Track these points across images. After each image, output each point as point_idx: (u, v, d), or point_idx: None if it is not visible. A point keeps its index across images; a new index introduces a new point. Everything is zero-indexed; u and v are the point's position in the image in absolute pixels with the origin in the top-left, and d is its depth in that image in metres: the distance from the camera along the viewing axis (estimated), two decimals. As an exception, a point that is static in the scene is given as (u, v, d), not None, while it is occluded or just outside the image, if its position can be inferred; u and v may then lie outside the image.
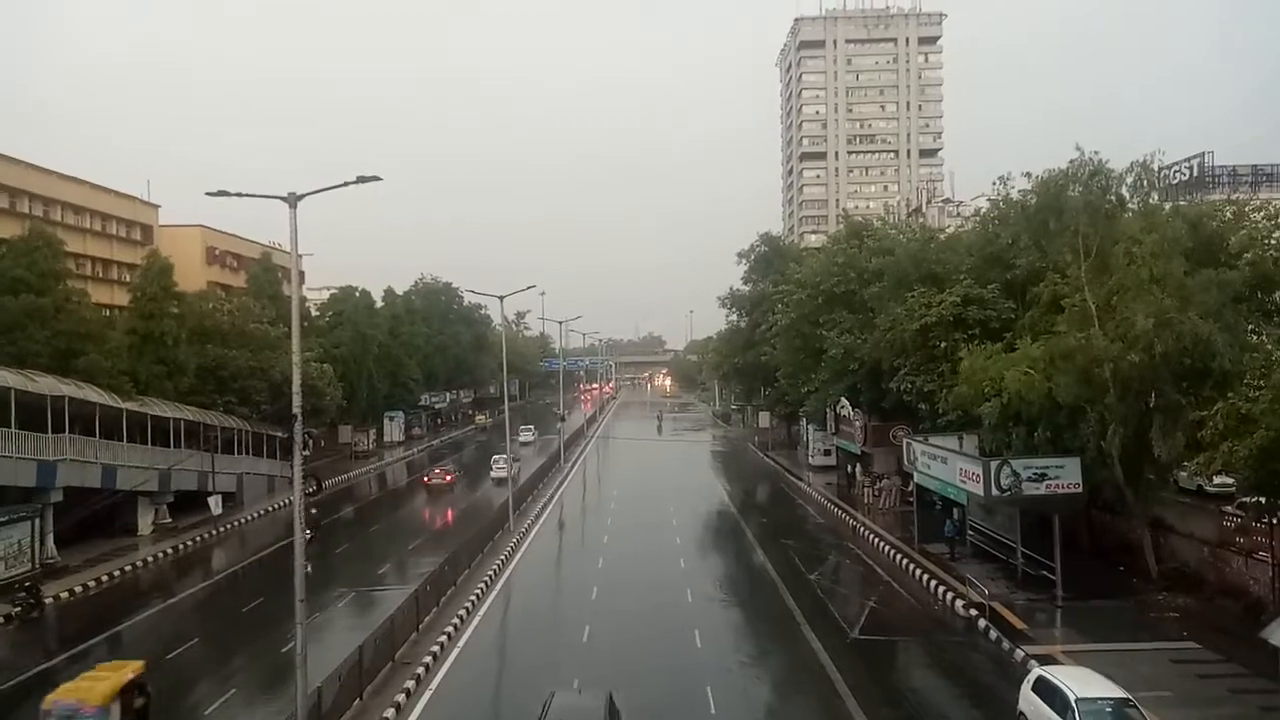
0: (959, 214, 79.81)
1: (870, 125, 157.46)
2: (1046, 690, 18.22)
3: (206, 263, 72.21)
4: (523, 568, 36.72)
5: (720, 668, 23.88)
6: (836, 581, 34.04)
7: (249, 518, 49.10)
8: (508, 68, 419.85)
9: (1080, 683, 17.99)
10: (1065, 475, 28.62)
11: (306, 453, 51.98)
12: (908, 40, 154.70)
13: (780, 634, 27.05)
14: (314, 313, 79.50)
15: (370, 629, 24.23)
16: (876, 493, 46.72)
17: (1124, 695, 17.62)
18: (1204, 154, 61.67)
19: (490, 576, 33.87)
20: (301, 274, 46.88)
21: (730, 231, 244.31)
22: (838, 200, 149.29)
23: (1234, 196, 41.84)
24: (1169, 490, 31.45)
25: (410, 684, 22.39)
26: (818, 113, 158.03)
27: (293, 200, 18.48)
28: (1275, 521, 24.86)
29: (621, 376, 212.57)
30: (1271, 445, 21.10)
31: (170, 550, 40.92)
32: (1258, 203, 35.52)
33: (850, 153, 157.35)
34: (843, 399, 50.58)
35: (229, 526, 46.48)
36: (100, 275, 61.73)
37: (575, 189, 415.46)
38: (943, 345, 37.32)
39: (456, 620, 27.92)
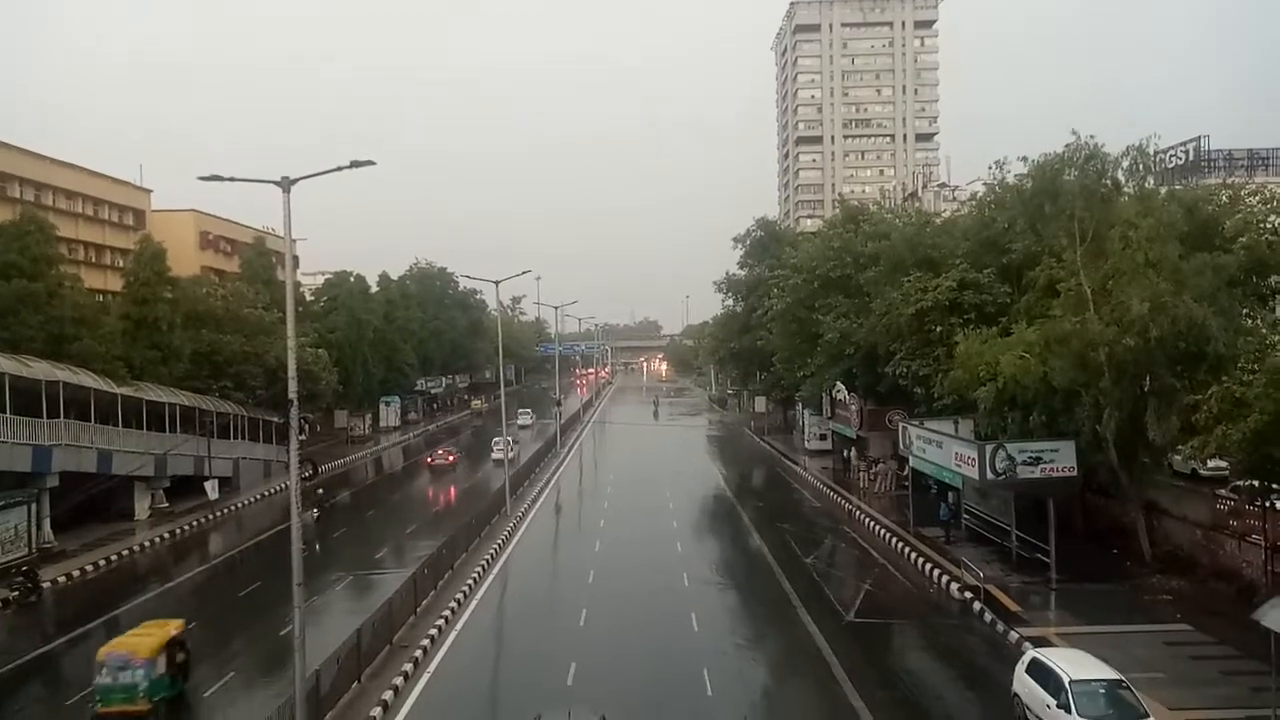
0: (955, 198, 79.51)
1: (866, 109, 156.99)
2: (1040, 672, 18.36)
3: (200, 248, 71.93)
4: (520, 551, 36.83)
5: (717, 650, 24.01)
6: (832, 565, 34.21)
7: (245, 502, 49.14)
8: (502, 54, 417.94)
9: (1074, 664, 18.13)
10: (1060, 459, 28.74)
11: (302, 438, 52.05)
12: (903, 24, 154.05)
13: (776, 617, 27.19)
14: (309, 298, 79.40)
15: (368, 612, 24.32)
16: (872, 477, 46.88)
17: (1117, 677, 17.76)
18: (1200, 138, 61.53)
19: (487, 560, 33.98)
20: (296, 259, 46.87)
21: (726, 216, 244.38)
22: (833, 185, 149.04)
23: (1230, 180, 41.83)
24: (1163, 474, 31.59)
25: (408, 667, 22.50)
26: (813, 97, 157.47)
27: (286, 185, 18.37)
28: (1268, 505, 25.03)
29: (617, 361, 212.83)
30: (1265, 429, 21.20)
31: (167, 535, 40.96)
32: (1253, 187, 35.49)
33: (846, 137, 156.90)
34: (838, 383, 50.66)
35: (226, 511, 46.52)
36: (93, 260, 61.41)
37: (571, 173, 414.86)
38: (938, 330, 37.35)
39: (454, 604, 28.03)
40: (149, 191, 68.67)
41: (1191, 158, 60.93)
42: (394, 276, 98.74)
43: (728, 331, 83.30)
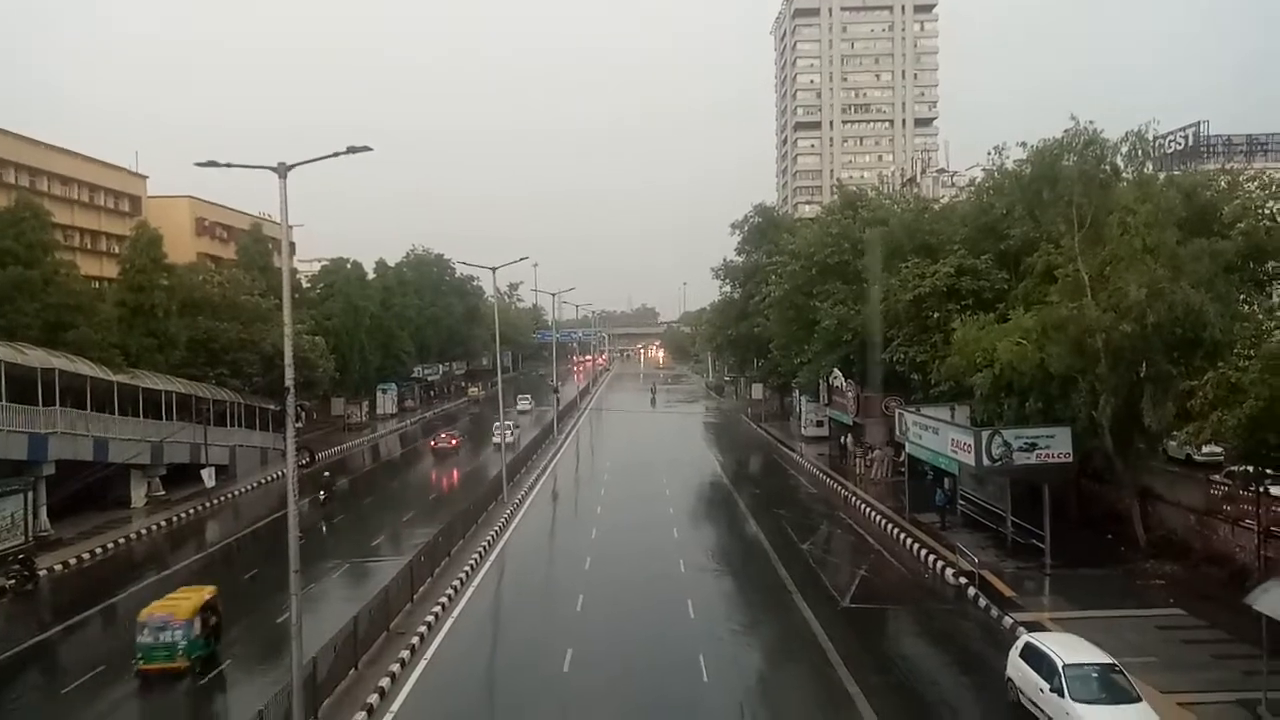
0: (953, 184, 79.48)
1: (865, 94, 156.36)
2: (1034, 656, 18.45)
3: (196, 234, 71.60)
4: (516, 538, 36.90)
5: (713, 636, 24.10)
6: (828, 551, 34.32)
7: (242, 490, 49.17)
8: (501, 35, 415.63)
9: (1067, 649, 18.22)
10: (1056, 445, 28.81)
11: (299, 425, 52.03)
12: (903, 8, 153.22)
13: (772, 603, 27.28)
14: (305, 284, 79.16)
15: (365, 600, 24.38)
16: (868, 463, 46.96)
17: (1110, 661, 17.86)
18: (1199, 123, 61.51)
19: (484, 547, 34.04)
20: (292, 245, 46.56)
21: (724, 202, 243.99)
22: (832, 170, 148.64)
23: (1228, 166, 41.78)
24: (1158, 459, 31.70)
25: (405, 654, 22.56)
26: (812, 81, 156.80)
27: (282, 171, 18.28)
28: (1262, 490, 25.10)
29: (615, 348, 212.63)
30: (1260, 415, 21.23)
31: (164, 522, 40.99)
32: (1252, 172, 35.44)
33: (845, 122, 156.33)
34: (835, 370, 50.69)
35: (222, 499, 46.54)
36: (89, 247, 61.19)
37: (569, 159, 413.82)
38: (936, 316, 37.36)
39: (451, 591, 28.09)
40: (145, 177, 68.36)
41: (1190, 143, 60.90)
42: (391, 263, 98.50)
43: (725, 318, 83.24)
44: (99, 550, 35.78)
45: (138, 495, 43.79)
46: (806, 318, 50.66)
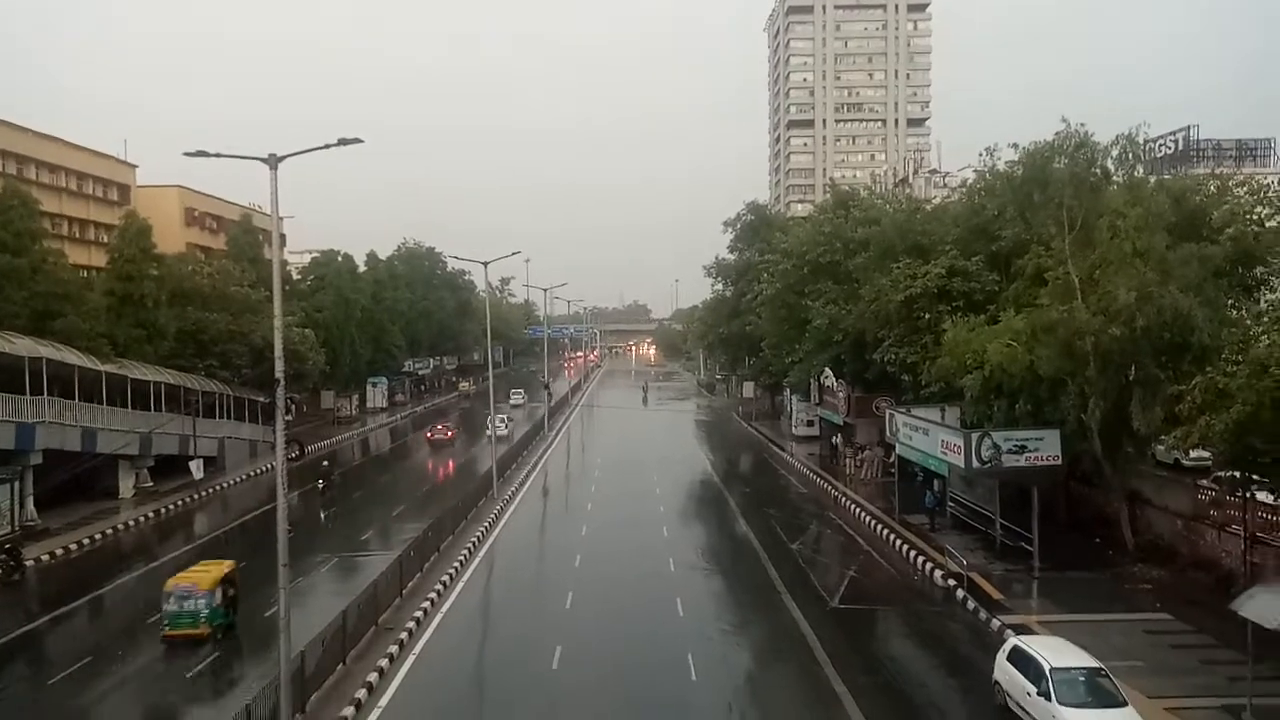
0: (945, 185, 79.68)
1: (858, 93, 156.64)
2: (1021, 659, 18.53)
3: (185, 224, 71.17)
4: (506, 535, 36.87)
5: (701, 635, 24.13)
6: (817, 551, 34.40)
7: (231, 482, 49.00)
8: (494, 29, 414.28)
9: (1054, 652, 18.29)
10: (1045, 447, 28.92)
11: (289, 418, 51.92)
12: (897, 7, 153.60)
13: (761, 603, 27.32)
14: (295, 276, 78.79)
15: (353, 594, 24.32)
16: (859, 463, 47.09)
17: (1097, 665, 17.95)
18: (1189, 128, 61.68)
19: (474, 543, 34.00)
20: (282, 236, 46.31)
21: (717, 200, 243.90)
22: (825, 169, 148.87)
23: (1218, 171, 41.94)
24: (1146, 463, 31.79)
25: (394, 649, 22.52)
26: (805, 80, 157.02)
27: (273, 162, 18.19)
28: (1249, 495, 25.25)
29: (606, 345, 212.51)
30: (1247, 420, 21.32)
31: (152, 514, 40.82)
32: (1241, 177, 35.57)
33: (838, 121, 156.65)
34: (826, 369, 50.77)
35: (211, 491, 46.35)
36: (77, 236, 60.73)
37: (562, 154, 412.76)
38: (927, 317, 37.44)
39: (440, 586, 28.05)
40: (134, 167, 67.91)
41: (1181, 147, 61.05)
42: (382, 256, 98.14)
43: (717, 316, 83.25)
44: (86, 541, 35.61)
45: (126, 486, 43.59)
46: (798, 317, 50.70)
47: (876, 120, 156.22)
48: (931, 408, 36.34)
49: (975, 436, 29.35)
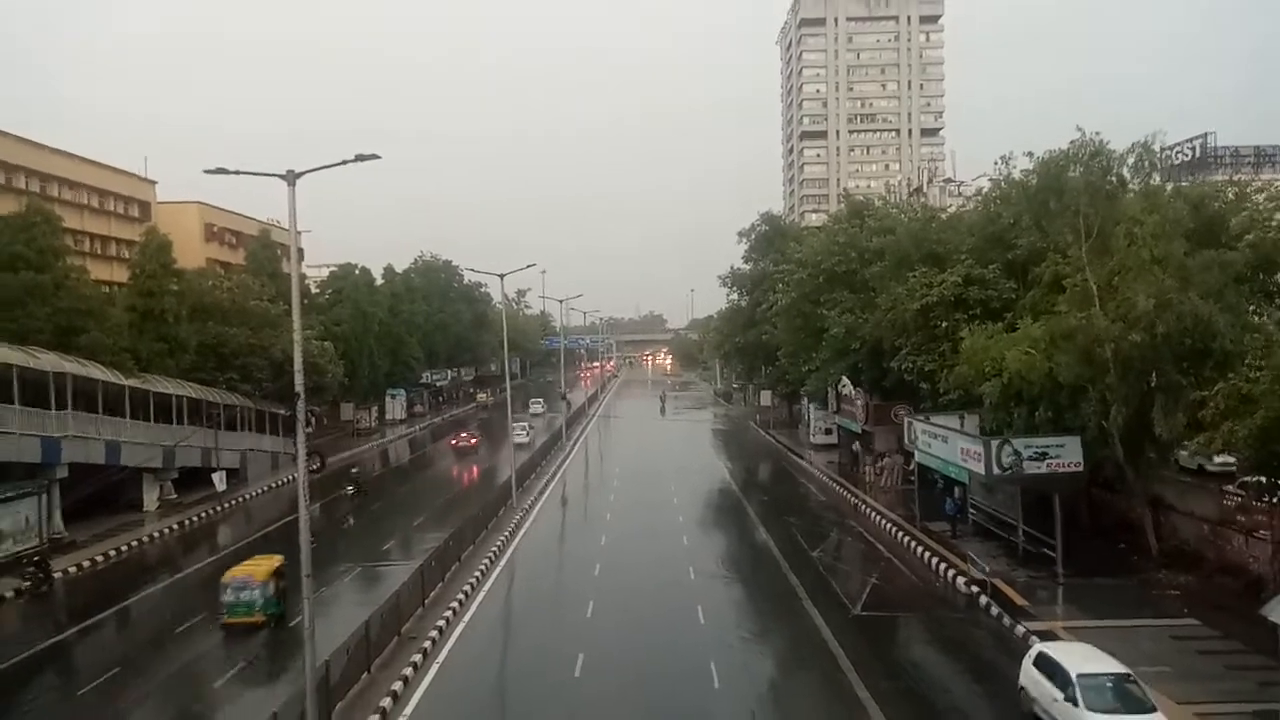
0: (960, 194, 79.54)
1: (871, 104, 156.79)
2: (1047, 666, 18.45)
3: (205, 240, 72.09)
4: (526, 544, 36.96)
5: (723, 643, 24.13)
6: (838, 558, 34.31)
7: (253, 494, 49.37)
8: (507, 38, 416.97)
9: (1081, 658, 18.24)
10: (1066, 454, 28.77)
11: (309, 430, 52.18)
12: (909, 18, 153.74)
13: (782, 610, 27.28)
14: (314, 290, 79.50)
15: (376, 604, 24.46)
16: (878, 471, 46.94)
17: (1124, 670, 17.86)
18: (1206, 135, 61.53)
19: (494, 552, 34.12)
20: (301, 251, 46.92)
21: (731, 210, 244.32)
22: (839, 179, 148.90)
23: (1236, 178, 41.76)
24: (1169, 469, 31.61)
25: (417, 658, 22.65)
26: (818, 91, 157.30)
27: (291, 178, 18.42)
28: (1275, 500, 25.08)
29: (622, 355, 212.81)
30: (1271, 425, 21.25)
31: (176, 526, 41.19)
32: (1259, 184, 35.46)
33: (851, 131, 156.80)
34: (844, 378, 50.70)
35: (233, 503, 46.73)
36: (99, 252, 61.60)
37: (574, 165, 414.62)
38: (944, 325, 37.35)
39: (461, 595, 28.18)
40: (154, 183, 68.84)
41: (1198, 154, 60.86)
42: (399, 269, 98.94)
43: (733, 326, 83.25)
44: (112, 553, 35.98)
45: (150, 499, 43.99)
46: (814, 326, 50.69)
47: (890, 130, 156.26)
48: (950, 415, 36.20)
49: (995, 443, 29.24)
